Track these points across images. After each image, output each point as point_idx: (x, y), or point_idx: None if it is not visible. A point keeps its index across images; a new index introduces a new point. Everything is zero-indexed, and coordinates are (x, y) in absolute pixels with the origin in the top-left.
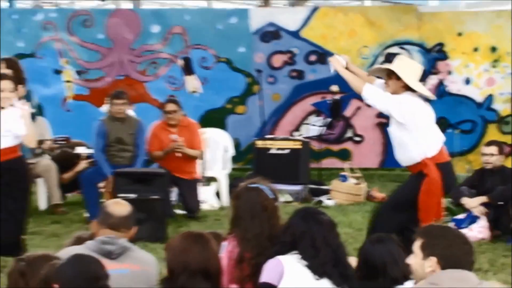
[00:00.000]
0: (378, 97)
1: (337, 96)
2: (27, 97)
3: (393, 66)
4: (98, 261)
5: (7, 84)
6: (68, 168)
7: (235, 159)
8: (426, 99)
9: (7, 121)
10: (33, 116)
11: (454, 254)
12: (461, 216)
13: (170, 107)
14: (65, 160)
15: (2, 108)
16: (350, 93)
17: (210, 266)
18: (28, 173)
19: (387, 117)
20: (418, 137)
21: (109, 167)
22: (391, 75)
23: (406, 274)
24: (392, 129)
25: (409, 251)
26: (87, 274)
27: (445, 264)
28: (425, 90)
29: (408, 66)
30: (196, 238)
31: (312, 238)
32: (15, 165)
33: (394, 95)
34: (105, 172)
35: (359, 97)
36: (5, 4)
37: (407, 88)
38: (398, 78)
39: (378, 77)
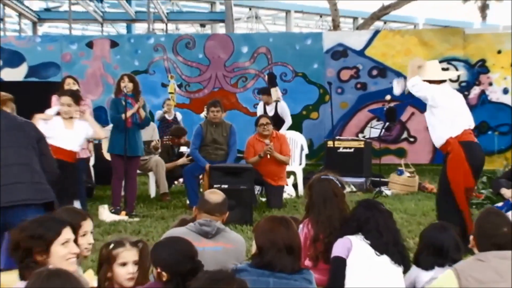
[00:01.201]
0: (418, 87)
1: (392, 104)
2: (143, 106)
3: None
4: (188, 241)
5: (67, 100)
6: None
7: (309, 156)
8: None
9: (80, 134)
10: (148, 121)
11: (487, 233)
12: (500, 204)
13: (263, 120)
14: (169, 157)
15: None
16: (405, 101)
17: (293, 243)
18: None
19: None
20: (444, 120)
21: (204, 160)
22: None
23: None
24: (426, 114)
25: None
26: (183, 253)
27: (480, 242)
28: (449, 73)
29: (429, 68)
30: (281, 220)
31: (376, 223)
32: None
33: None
34: (201, 164)
35: (413, 104)
36: (123, 31)
37: (439, 82)
38: (428, 80)
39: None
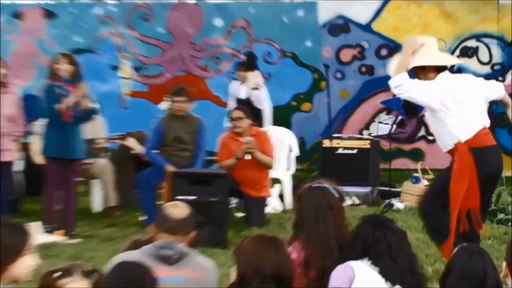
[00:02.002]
0: (405, 87)
1: None
2: (86, 94)
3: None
4: (144, 267)
5: None
6: (126, 168)
7: (299, 160)
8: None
9: None
10: (92, 114)
11: None
12: None
13: (236, 113)
14: (122, 160)
15: None
16: None
17: (283, 271)
18: None
19: None
20: (450, 122)
21: (163, 160)
22: (414, 70)
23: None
24: (426, 114)
25: None
26: (132, 281)
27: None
28: (450, 59)
29: (421, 51)
30: (270, 241)
31: (388, 245)
32: None
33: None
34: (160, 165)
35: None
36: None
37: (437, 69)
38: (421, 68)
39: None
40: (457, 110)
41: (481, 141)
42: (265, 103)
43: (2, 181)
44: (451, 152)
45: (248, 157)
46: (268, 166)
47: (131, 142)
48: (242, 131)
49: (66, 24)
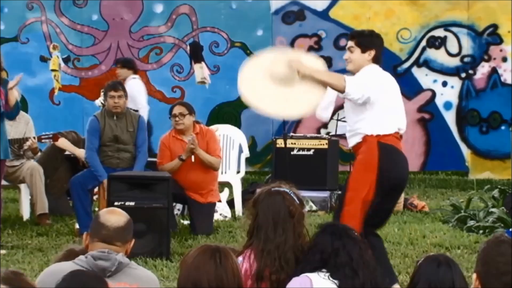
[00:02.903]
0: (359, 87)
1: None
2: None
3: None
4: (99, 277)
5: None
6: (58, 171)
7: (250, 161)
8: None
9: None
10: (18, 110)
11: (497, 271)
12: None
13: (177, 109)
14: (53, 162)
15: None
16: None
17: (225, 285)
18: None
19: (429, 113)
20: (369, 115)
21: (104, 170)
22: (355, 47)
23: None
24: (347, 102)
25: None
26: None
27: (487, 281)
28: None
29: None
30: (213, 252)
31: (348, 256)
32: None
33: (359, 71)
34: (99, 176)
35: None
36: None
37: (374, 59)
38: (364, 50)
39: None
40: (383, 105)
41: (393, 141)
42: (141, 96)
43: None
44: (356, 147)
45: (192, 159)
46: (213, 168)
47: (63, 142)
48: (185, 128)
49: None
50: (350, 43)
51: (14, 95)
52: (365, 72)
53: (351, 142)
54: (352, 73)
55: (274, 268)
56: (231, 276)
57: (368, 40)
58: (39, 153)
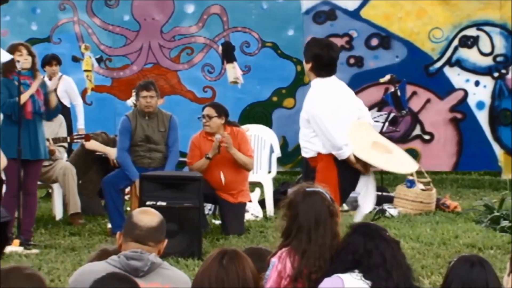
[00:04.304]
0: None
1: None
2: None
3: None
4: (133, 281)
5: None
6: (90, 171)
7: (281, 161)
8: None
9: None
10: (59, 110)
11: None
12: None
13: (206, 111)
14: (85, 162)
15: None
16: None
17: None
18: None
19: (462, 113)
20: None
21: (135, 170)
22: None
23: None
24: (302, 115)
25: None
26: None
27: None
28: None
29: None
30: (221, 255)
31: (382, 257)
32: None
33: (313, 86)
34: (131, 176)
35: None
36: None
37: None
38: (307, 61)
39: None
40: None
41: None
42: (78, 97)
43: None
44: (312, 160)
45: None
46: (247, 168)
47: (92, 144)
48: (211, 130)
49: (20, 11)
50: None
51: (55, 98)
52: None
53: (306, 154)
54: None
55: (314, 268)
56: (234, 279)
57: (310, 51)
58: (68, 154)
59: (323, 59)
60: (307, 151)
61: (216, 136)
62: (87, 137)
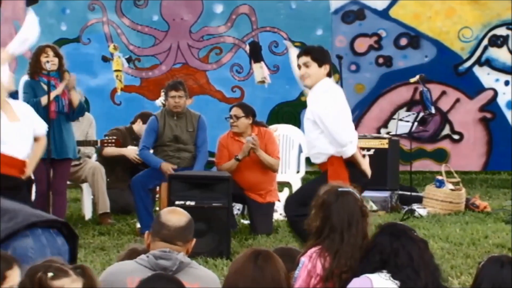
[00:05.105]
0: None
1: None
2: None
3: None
4: (179, 282)
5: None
6: (113, 170)
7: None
8: None
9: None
10: (82, 110)
11: None
12: None
13: (233, 111)
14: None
15: None
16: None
17: None
18: None
19: (491, 112)
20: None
21: (158, 158)
22: (312, 62)
23: None
24: (309, 121)
25: None
26: None
27: None
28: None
29: None
30: (255, 255)
31: (409, 257)
32: None
33: (317, 88)
34: (155, 165)
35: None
36: None
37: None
38: (320, 65)
39: None
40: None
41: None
42: None
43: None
44: (322, 165)
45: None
46: (273, 169)
47: (107, 151)
48: (239, 130)
49: (50, 12)
50: (306, 59)
51: (77, 96)
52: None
53: (317, 159)
54: (308, 87)
55: (345, 268)
56: (269, 279)
57: (323, 55)
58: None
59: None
60: (318, 156)
61: (248, 138)
62: (117, 142)
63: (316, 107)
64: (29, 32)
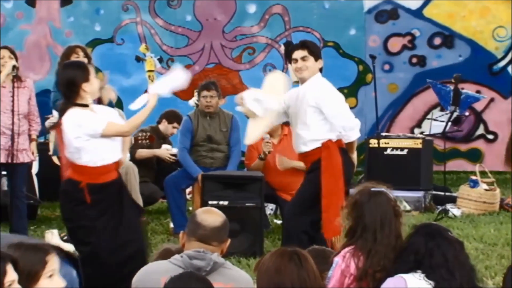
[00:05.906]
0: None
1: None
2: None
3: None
4: (208, 282)
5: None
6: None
7: None
8: None
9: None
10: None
11: None
12: None
13: None
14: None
15: None
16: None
17: (306, 287)
18: None
19: None
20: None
21: (197, 167)
22: (309, 56)
23: None
24: (310, 109)
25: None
26: None
27: None
28: None
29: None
30: (291, 255)
31: (444, 257)
32: None
33: (313, 79)
34: (192, 173)
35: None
36: None
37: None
38: (316, 59)
39: None
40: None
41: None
42: None
43: (18, 185)
44: (312, 153)
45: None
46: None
47: (140, 153)
48: (269, 131)
49: (84, 12)
50: (303, 53)
51: (107, 95)
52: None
53: (308, 146)
54: (302, 80)
55: (379, 268)
56: (313, 277)
57: (318, 50)
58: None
59: None
60: (311, 143)
61: (265, 136)
62: (151, 138)
63: (322, 93)
64: (178, 86)
